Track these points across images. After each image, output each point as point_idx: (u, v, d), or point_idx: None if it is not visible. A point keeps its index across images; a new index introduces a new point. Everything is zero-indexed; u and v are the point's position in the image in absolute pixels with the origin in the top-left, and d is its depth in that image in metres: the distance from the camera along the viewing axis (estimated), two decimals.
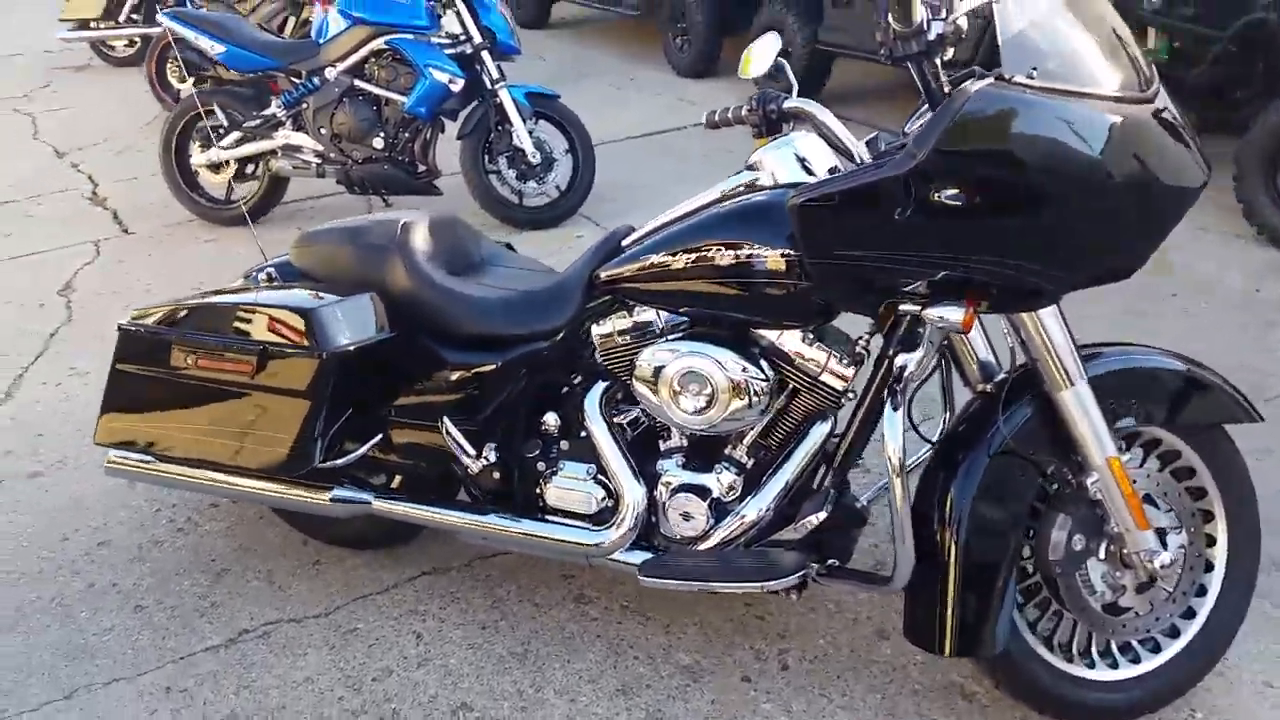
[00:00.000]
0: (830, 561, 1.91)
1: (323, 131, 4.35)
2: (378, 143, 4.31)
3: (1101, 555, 1.79)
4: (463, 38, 4.26)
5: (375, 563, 2.40)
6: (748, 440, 1.93)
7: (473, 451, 2.06)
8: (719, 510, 1.92)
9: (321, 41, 4.39)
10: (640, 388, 1.90)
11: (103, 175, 5.43)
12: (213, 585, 2.36)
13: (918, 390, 1.82)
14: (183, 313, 2.08)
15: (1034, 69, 1.49)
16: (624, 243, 1.97)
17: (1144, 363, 1.82)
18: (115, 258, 4.42)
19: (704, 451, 1.97)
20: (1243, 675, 1.96)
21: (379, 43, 4.25)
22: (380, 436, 2.15)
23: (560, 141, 4.46)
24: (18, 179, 5.43)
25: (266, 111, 4.41)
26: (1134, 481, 1.76)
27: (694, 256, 1.80)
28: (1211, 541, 1.89)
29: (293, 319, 1.96)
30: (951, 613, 1.73)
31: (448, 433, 2.05)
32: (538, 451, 2.07)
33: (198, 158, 4.53)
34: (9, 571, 2.43)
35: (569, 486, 2.04)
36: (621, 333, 1.93)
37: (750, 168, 1.84)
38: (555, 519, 2.05)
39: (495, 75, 4.25)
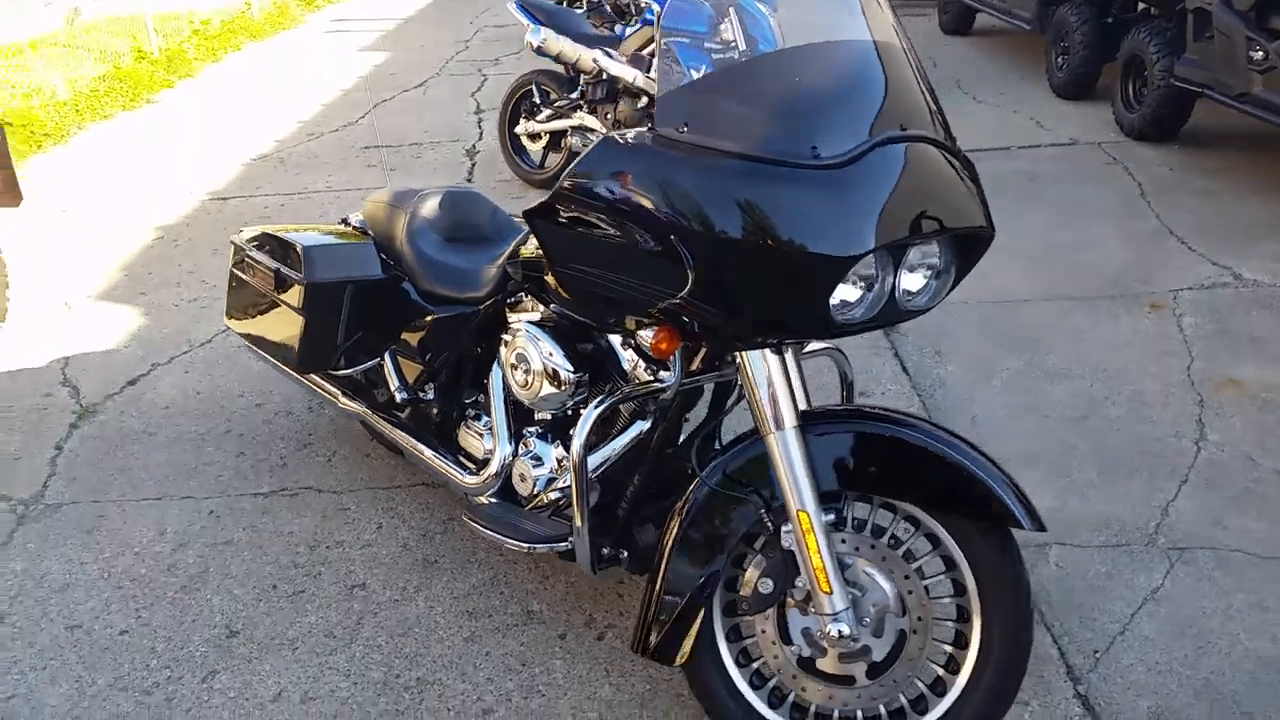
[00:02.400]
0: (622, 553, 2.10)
1: (608, 117, 4.93)
2: None
3: (798, 606, 1.80)
4: (731, 44, 4.57)
5: (399, 466, 2.96)
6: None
7: (398, 384, 2.52)
8: (548, 480, 2.20)
9: (623, 36, 4.96)
10: (503, 357, 2.23)
11: (490, 135, 6.54)
12: (293, 453, 3.08)
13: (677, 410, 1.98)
14: (259, 236, 2.76)
15: (685, 125, 1.59)
16: None
17: (908, 437, 1.77)
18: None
19: (557, 429, 2.25)
20: None
21: (663, 43, 4.71)
22: (378, 360, 2.68)
23: None
24: (433, 127, 6.72)
25: (573, 94, 5.10)
26: (842, 542, 1.77)
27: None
28: (966, 643, 1.79)
29: (296, 251, 2.54)
30: (650, 616, 1.87)
31: (385, 366, 2.54)
32: (467, 400, 2.48)
33: (520, 127, 5.36)
34: (193, 410, 3.36)
35: (471, 431, 2.42)
36: (511, 310, 2.27)
37: None
38: (455, 456, 2.44)
39: None
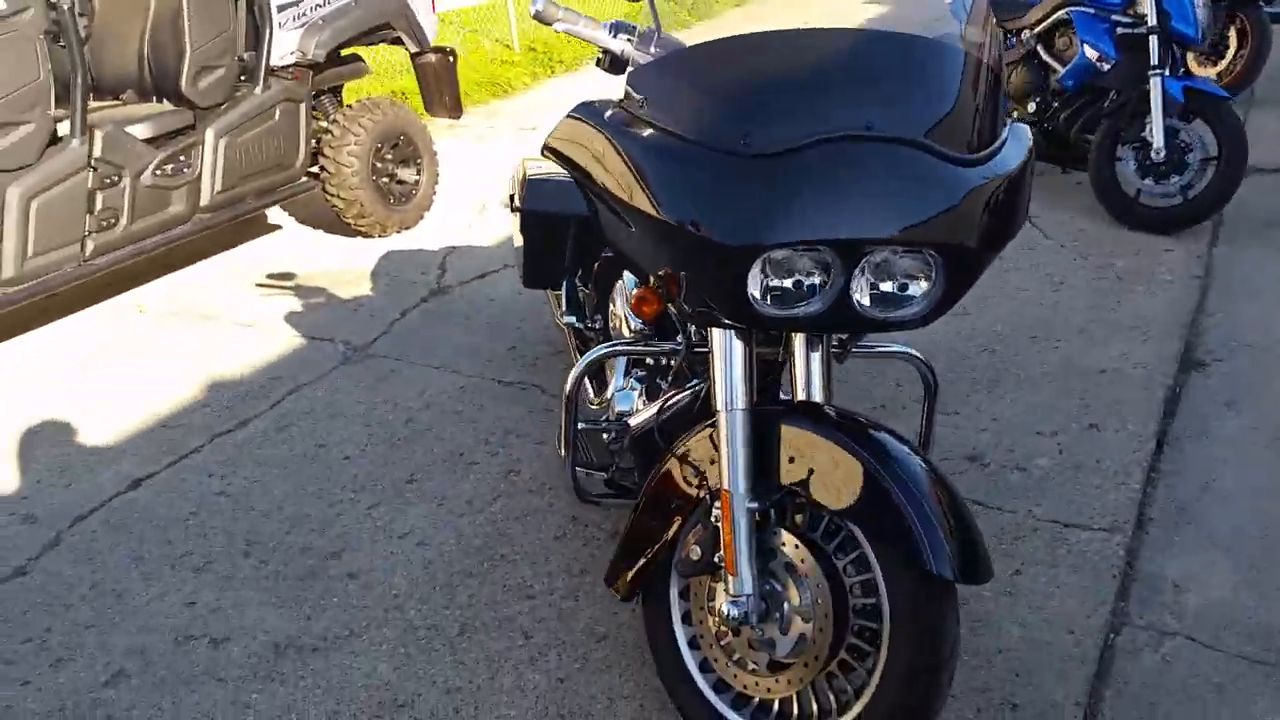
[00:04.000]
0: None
1: None
2: (1031, 107, 4.46)
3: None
4: (1143, 18, 4.07)
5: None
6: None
7: (562, 309, 2.82)
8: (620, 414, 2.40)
9: (1034, 2, 4.61)
10: None
11: None
12: (545, 356, 3.54)
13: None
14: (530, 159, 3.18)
15: (645, 100, 1.66)
16: None
17: (857, 453, 1.69)
18: None
19: (651, 372, 2.42)
20: None
21: (1064, 12, 4.32)
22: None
23: (1210, 148, 3.98)
24: None
25: None
26: (774, 534, 1.77)
27: None
28: (871, 669, 1.71)
29: (522, 180, 2.92)
30: (619, 556, 2.01)
31: (565, 288, 2.84)
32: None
33: None
34: (507, 307, 3.96)
35: None
36: None
37: None
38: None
39: (1155, 61, 3.99)
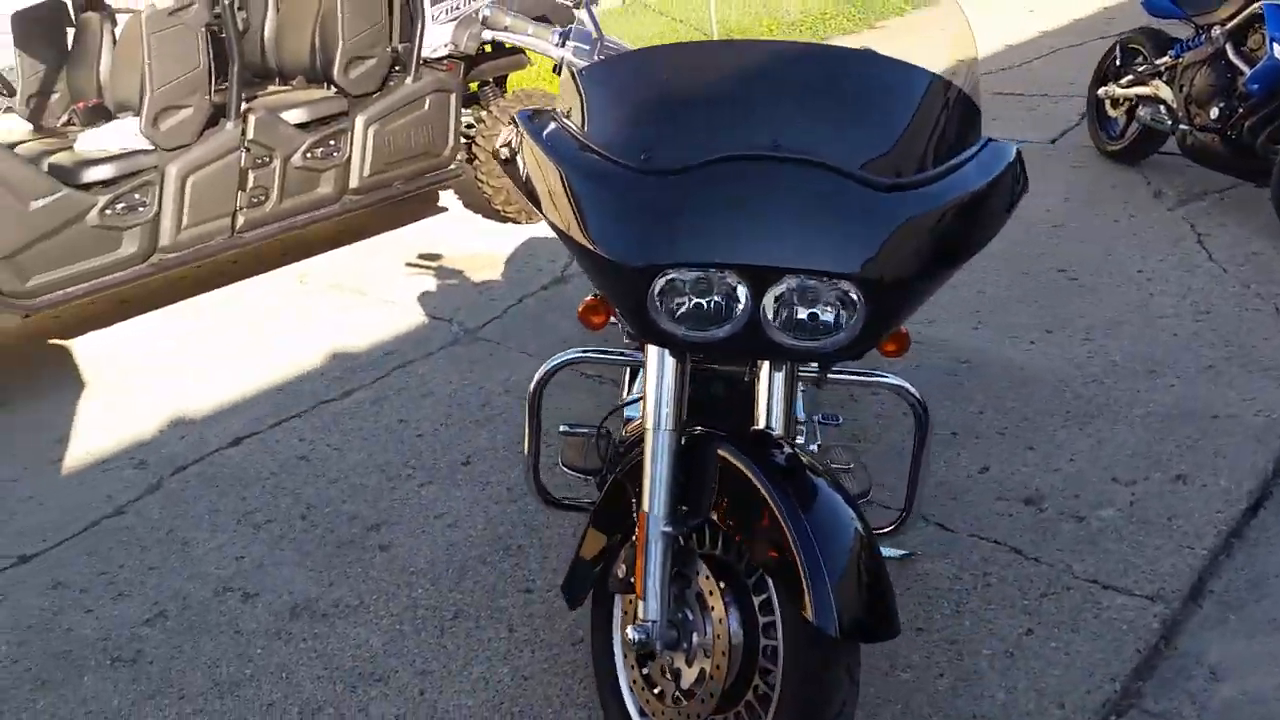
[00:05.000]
0: None
1: (1181, 89, 4.19)
2: (1214, 112, 4.00)
3: None
4: None
5: None
6: None
7: None
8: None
9: None
10: None
11: None
12: None
13: None
14: None
15: (570, 109, 1.65)
16: None
17: (769, 491, 1.61)
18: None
19: None
20: None
21: (1256, 6, 3.84)
22: None
23: None
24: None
25: (1160, 60, 4.40)
26: (696, 561, 1.73)
27: None
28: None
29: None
30: (573, 564, 2.01)
31: None
32: None
33: (1103, 89, 4.80)
34: None
35: None
36: None
37: None
38: None
39: None
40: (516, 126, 1.76)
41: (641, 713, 1.89)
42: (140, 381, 3.62)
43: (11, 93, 3.59)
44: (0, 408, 3.48)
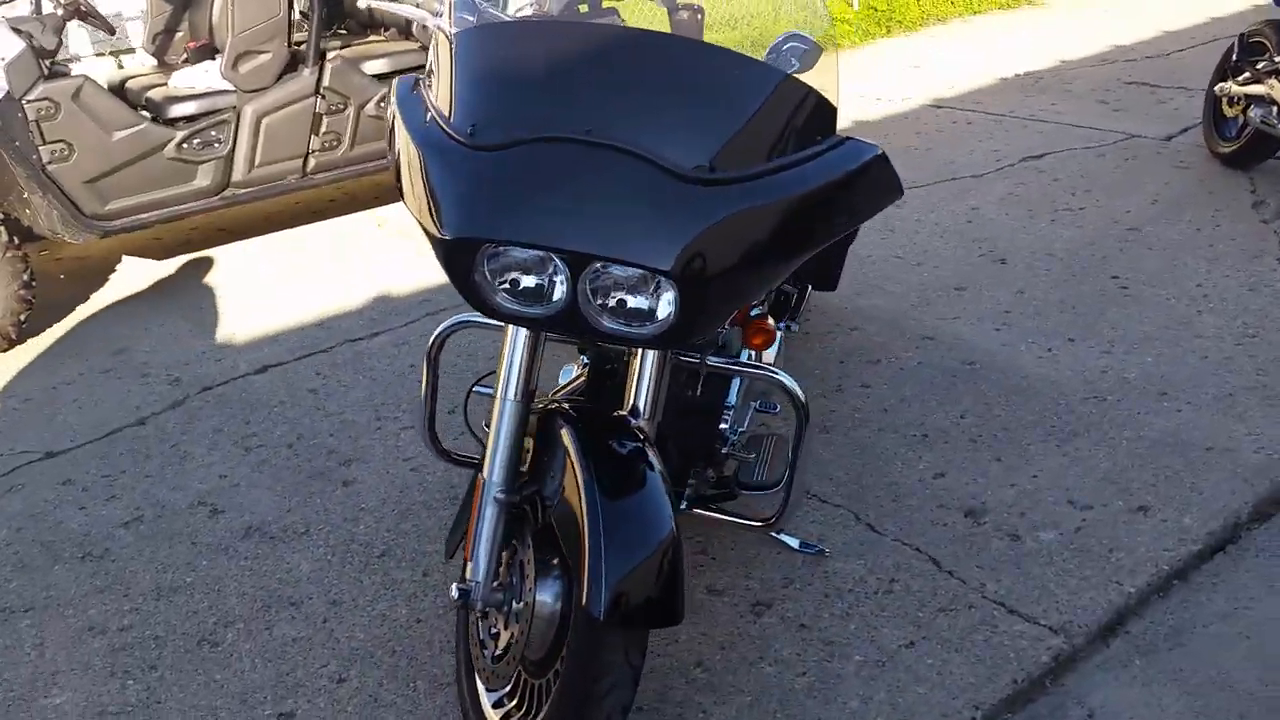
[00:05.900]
0: None
1: None
2: None
3: None
4: None
5: None
6: None
7: None
8: None
9: None
10: None
11: None
12: None
13: None
14: None
15: (428, 77, 1.69)
16: None
17: (580, 474, 1.65)
18: (1127, 154, 4.81)
19: None
20: None
21: None
22: None
23: None
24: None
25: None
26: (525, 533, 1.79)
27: None
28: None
29: None
30: (456, 519, 2.10)
31: None
32: None
33: (1218, 87, 4.41)
34: None
35: None
36: None
37: None
38: None
39: None
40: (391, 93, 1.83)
41: (470, 666, 1.96)
42: (206, 303, 3.93)
43: (111, 31, 3.91)
44: (81, 318, 3.85)
